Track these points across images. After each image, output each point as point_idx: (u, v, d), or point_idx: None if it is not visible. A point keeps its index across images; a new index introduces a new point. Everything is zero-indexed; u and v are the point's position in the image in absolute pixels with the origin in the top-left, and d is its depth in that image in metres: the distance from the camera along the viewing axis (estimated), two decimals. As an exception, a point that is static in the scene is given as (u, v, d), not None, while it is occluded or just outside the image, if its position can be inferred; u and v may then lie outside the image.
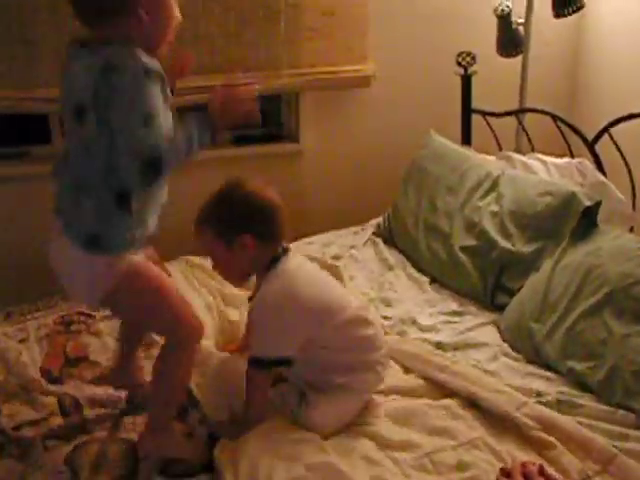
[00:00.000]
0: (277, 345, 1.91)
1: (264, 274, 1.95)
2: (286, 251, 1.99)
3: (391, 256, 2.93)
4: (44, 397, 2.04)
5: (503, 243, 2.55)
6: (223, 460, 1.75)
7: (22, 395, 2.05)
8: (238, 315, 2.44)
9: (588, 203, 2.41)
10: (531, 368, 2.18)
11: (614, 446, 1.79)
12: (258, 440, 1.80)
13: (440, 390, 2.06)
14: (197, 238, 1.97)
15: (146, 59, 1.60)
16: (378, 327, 2.06)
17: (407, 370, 2.16)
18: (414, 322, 2.43)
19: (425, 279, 2.76)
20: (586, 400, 1.99)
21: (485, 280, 2.56)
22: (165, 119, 1.61)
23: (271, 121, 3.62)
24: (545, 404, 1.97)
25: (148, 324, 1.94)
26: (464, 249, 2.67)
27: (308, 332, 1.92)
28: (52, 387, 2.10)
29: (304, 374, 1.98)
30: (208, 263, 2.70)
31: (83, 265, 1.73)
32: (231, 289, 2.58)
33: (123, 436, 1.89)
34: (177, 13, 1.73)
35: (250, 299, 2.03)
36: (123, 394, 2.07)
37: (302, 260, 2.06)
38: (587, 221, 2.38)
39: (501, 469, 1.69)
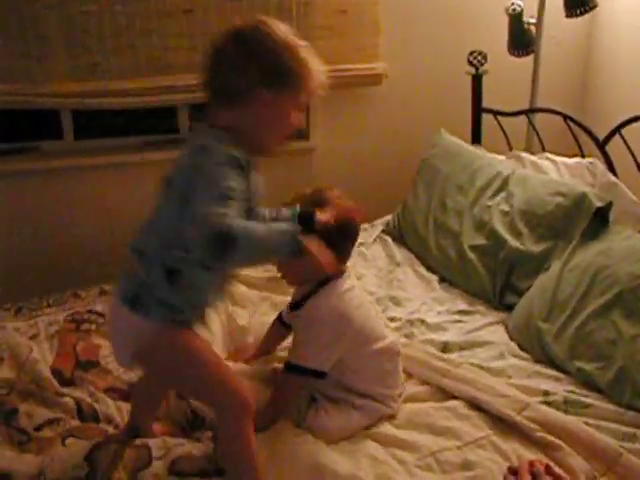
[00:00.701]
0: (319, 357, 1.91)
1: (318, 287, 1.95)
2: (343, 271, 2.01)
3: (400, 254, 2.94)
4: (60, 398, 2.03)
5: (512, 242, 2.56)
6: None
7: (37, 394, 2.04)
8: (247, 317, 2.45)
9: (599, 204, 2.41)
10: (538, 367, 2.18)
11: (621, 446, 1.79)
12: (265, 442, 1.80)
13: (443, 394, 2.06)
14: None
15: (235, 152, 1.63)
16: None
17: (410, 376, 2.15)
18: (422, 322, 2.43)
19: (434, 277, 2.77)
20: (594, 400, 1.99)
21: (494, 279, 2.56)
22: (240, 206, 1.58)
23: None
24: (552, 404, 1.97)
25: (197, 395, 1.89)
26: (473, 248, 2.67)
27: (347, 352, 1.94)
28: (66, 389, 2.09)
29: (325, 388, 1.98)
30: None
31: (122, 320, 1.72)
32: (240, 289, 2.59)
33: (137, 443, 1.86)
34: (296, 121, 1.76)
35: (293, 306, 2.04)
36: None
37: (354, 283, 2.05)
38: (598, 221, 2.38)
39: (508, 468, 1.69)
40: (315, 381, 1.94)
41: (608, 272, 2.18)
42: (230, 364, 2.14)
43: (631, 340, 2.01)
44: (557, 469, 1.67)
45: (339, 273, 1.97)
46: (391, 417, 1.97)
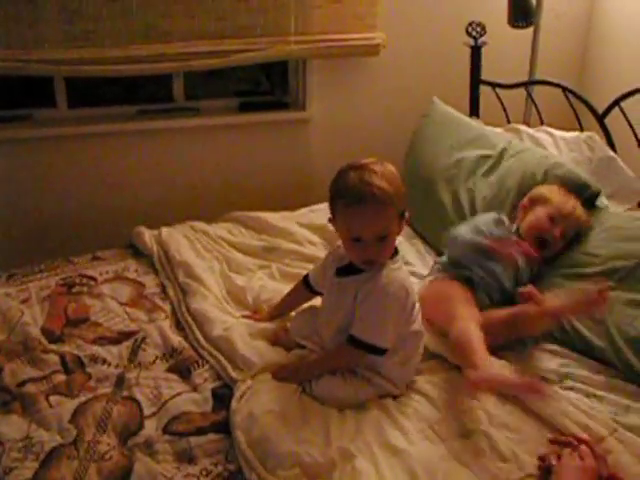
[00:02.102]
0: (388, 335, 1.88)
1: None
2: None
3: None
4: (46, 355, 2.04)
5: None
6: (237, 422, 1.75)
7: (24, 354, 2.05)
8: (245, 280, 2.43)
9: (590, 192, 2.42)
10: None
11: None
12: (272, 405, 1.80)
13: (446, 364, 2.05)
14: (378, 215, 1.81)
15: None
16: None
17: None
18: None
19: (431, 252, 2.73)
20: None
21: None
22: None
23: (278, 89, 3.59)
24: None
25: None
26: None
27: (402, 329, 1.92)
28: (53, 346, 2.10)
29: None
30: (212, 229, 2.74)
31: None
32: (235, 255, 2.58)
33: (126, 394, 1.90)
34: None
35: (345, 271, 1.97)
36: (125, 352, 2.08)
37: None
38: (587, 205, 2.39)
39: (550, 440, 1.70)
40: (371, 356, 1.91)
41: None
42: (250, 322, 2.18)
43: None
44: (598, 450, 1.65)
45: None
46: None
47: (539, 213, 2.30)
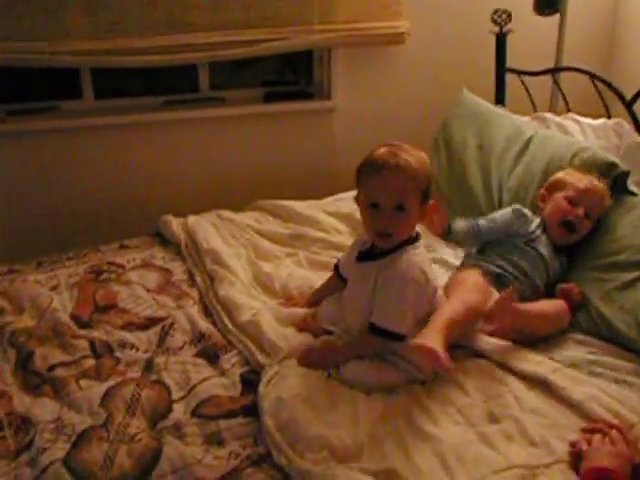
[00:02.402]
0: (405, 321, 1.89)
1: (405, 244, 1.92)
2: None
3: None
4: (76, 340, 2.06)
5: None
6: (265, 407, 1.75)
7: (54, 339, 2.07)
8: (272, 267, 2.44)
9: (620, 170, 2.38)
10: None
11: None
12: (300, 389, 1.80)
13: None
14: (400, 181, 1.83)
15: None
16: None
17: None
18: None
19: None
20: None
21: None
22: None
23: (303, 78, 3.59)
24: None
25: None
26: (494, 210, 2.62)
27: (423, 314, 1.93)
28: (83, 331, 2.12)
29: None
30: (239, 217, 2.74)
31: None
32: (262, 243, 2.59)
33: (154, 378, 1.91)
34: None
35: (366, 256, 1.99)
36: (153, 337, 2.09)
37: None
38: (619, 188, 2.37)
39: (583, 429, 1.68)
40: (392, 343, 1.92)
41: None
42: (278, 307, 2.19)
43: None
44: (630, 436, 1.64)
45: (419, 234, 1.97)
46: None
47: (557, 199, 2.30)
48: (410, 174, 1.83)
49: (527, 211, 2.35)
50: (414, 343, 1.79)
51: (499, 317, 1.99)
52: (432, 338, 1.79)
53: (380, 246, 1.94)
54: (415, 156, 1.86)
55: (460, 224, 2.31)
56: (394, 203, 1.84)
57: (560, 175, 2.37)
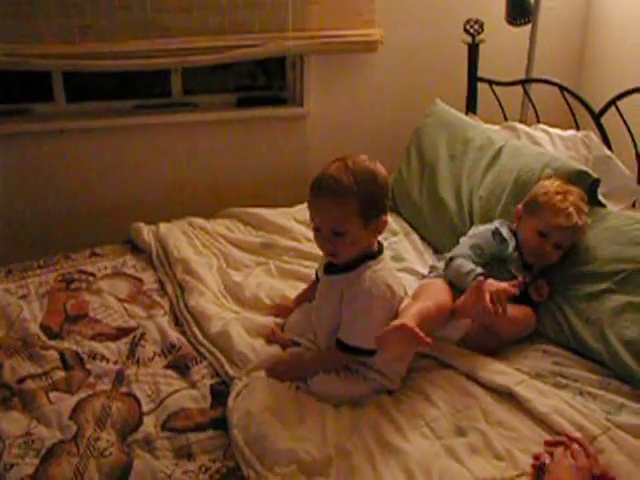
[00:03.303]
0: (372, 336, 1.86)
1: (366, 259, 1.92)
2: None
3: (395, 223, 2.89)
4: (46, 351, 2.06)
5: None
6: (234, 421, 1.76)
7: (23, 350, 2.07)
8: (242, 277, 2.45)
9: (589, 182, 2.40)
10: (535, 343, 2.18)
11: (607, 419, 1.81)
12: (269, 403, 1.82)
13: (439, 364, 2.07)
14: (330, 207, 1.83)
15: None
16: None
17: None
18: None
19: (429, 250, 2.75)
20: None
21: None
22: None
23: (276, 84, 3.59)
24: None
25: None
26: (463, 222, 2.65)
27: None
28: (53, 342, 2.11)
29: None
30: (210, 225, 2.75)
31: None
32: (233, 252, 2.60)
33: (125, 390, 1.92)
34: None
35: (331, 270, 1.99)
36: (123, 348, 2.09)
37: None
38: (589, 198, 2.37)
39: (546, 442, 1.70)
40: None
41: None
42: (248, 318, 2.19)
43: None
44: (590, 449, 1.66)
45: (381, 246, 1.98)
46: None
47: (528, 230, 2.23)
48: (343, 196, 1.81)
49: (504, 231, 2.30)
50: (391, 325, 1.77)
51: (471, 307, 2.00)
52: (407, 319, 1.80)
53: (333, 261, 1.96)
54: (358, 173, 1.83)
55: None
56: (330, 228, 1.86)
57: (539, 193, 2.26)
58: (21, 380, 1.94)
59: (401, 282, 2.02)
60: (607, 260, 2.19)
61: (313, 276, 2.22)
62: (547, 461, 1.63)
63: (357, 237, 1.87)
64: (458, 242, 2.38)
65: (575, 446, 1.64)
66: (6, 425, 1.77)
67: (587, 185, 2.38)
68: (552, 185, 2.27)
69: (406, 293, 2.03)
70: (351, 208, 1.82)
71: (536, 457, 1.67)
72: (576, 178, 2.38)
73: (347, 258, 1.91)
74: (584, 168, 2.45)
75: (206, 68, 3.35)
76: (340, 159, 1.89)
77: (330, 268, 1.99)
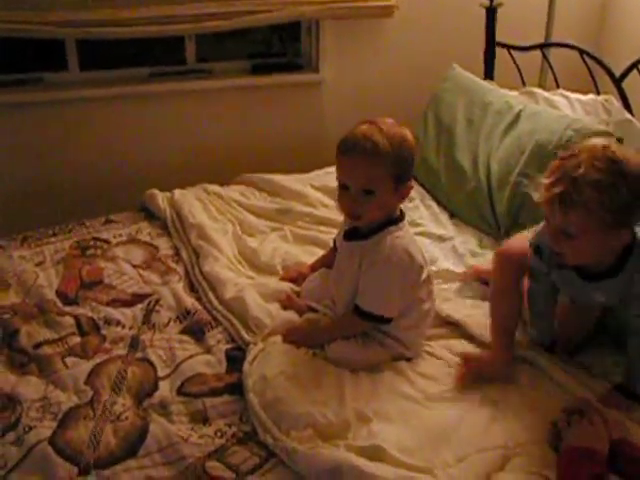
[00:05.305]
0: (392, 304, 1.89)
1: (387, 224, 1.90)
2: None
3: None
4: (61, 317, 2.06)
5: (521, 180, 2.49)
6: (250, 385, 1.76)
7: (40, 316, 2.07)
8: (257, 242, 2.44)
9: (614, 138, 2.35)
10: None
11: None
12: (284, 367, 1.81)
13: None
14: (365, 165, 1.81)
15: None
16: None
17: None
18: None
19: (445, 215, 2.73)
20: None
21: (501, 217, 2.51)
22: None
23: (291, 50, 3.56)
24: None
25: None
26: (481, 185, 2.62)
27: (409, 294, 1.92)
28: (68, 308, 2.11)
29: None
30: (225, 192, 2.74)
31: None
32: (248, 218, 2.59)
33: (140, 355, 1.92)
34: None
35: (351, 235, 1.97)
36: (139, 314, 2.09)
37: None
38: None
39: (563, 409, 1.68)
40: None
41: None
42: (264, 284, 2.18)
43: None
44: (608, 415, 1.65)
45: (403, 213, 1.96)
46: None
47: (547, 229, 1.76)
48: (377, 156, 1.80)
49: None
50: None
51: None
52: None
53: (355, 225, 1.94)
54: (391, 136, 1.83)
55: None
56: (361, 187, 1.83)
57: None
58: (37, 345, 1.94)
59: (421, 250, 2.00)
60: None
61: (331, 243, 2.20)
62: (564, 427, 1.61)
63: (385, 200, 1.86)
64: (473, 208, 2.36)
65: (592, 413, 1.63)
66: (23, 389, 1.78)
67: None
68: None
69: (426, 262, 2.00)
70: (385, 168, 1.81)
71: (554, 424, 1.65)
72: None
73: (369, 222, 1.89)
74: (606, 128, 2.41)
75: (220, 35, 3.32)
76: (369, 121, 1.87)
77: (350, 234, 1.97)
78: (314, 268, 2.23)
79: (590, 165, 1.58)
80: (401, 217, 1.94)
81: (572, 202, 1.58)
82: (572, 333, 1.96)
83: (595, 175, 1.57)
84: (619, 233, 1.65)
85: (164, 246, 2.47)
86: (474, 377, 1.84)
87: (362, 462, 1.54)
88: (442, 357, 1.94)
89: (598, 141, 1.65)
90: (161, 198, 2.67)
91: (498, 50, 3.30)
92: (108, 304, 2.14)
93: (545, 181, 1.65)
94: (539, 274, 1.87)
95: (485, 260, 2.34)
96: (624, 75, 2.87)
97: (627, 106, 2.85)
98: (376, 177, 1.82)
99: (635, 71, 2.82)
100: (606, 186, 1.57)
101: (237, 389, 1.78)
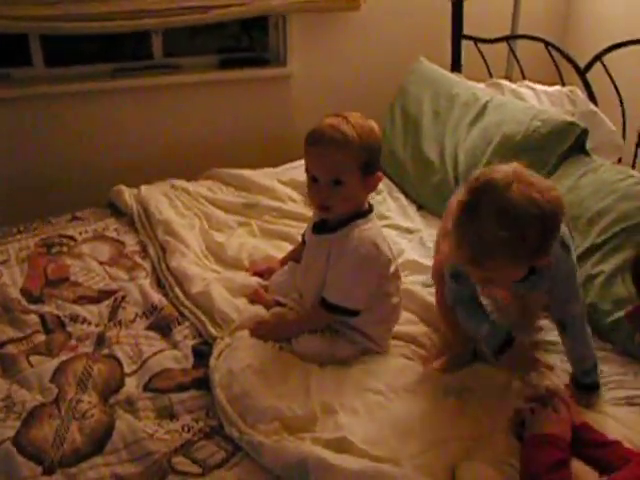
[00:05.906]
0: (358, 296, 1.89)
1: (354, 217, 1.90)
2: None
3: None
4: (26, 316, 2.04)
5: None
6: (217, 380, 1.76)
7: (4, 315, 2.05)
8: (224, 237, 2.43)
9: (578, 132, 2.38)
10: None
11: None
12: (251, 361, 1.81)
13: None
14: (333, 155, 1.82)
15: None
16: None
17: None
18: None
19: (412, 207, 2.74)
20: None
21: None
22: None
23: (259, 45, 3.54)
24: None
25: None
26: (447, 177, 2.64)
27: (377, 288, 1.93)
28: (33, 306, 2.09)
29: None
30: (192, 187, 2.73)
31: None
32: (215, 213, 2.58)
33: (106, 352, 1.91)
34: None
35: (319, 229, 1.97)
36: (105, 311, 2.08)
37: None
38: (576, 151, 2.36)
39: (526, 397, 1.70)
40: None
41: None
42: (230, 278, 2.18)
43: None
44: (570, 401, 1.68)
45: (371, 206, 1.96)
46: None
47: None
48: (345, 146, 1.81)
49: None
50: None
51: None
52: None
53: (324, 217, 1.94)
54: (359, 128, 1.84)
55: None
56: (330, 177, 1.84)
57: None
58: (1, 345, 1.92)
59: (389, 243, 2.01)
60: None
61: (300, 238, 2.20)
62: (528, 415, 1.63)
63: (353, 191, 1.86)
64: (439, 200, 2.37)
65: (556, 400, 1.65)
66: (-14, 389, 1.76)
67: (575, 136, 2.37)
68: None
69: (394, 255, 2.00)
70: (352, 158, 1.82)
71: (517, 412, 1.67)
72: (564, 130, 2.37)
73: (339, 215, 1.90)
74: (572, 119, 2.44)
75: (188, 30, 3.30)
76: (336, 114, 1.88)
77: (319, 227, 1.98)
78: (283, 263, 2.23)
79: (495, 222, 1.50)
80: (369, 210, 1.95)
81: (484, 263, 1.57)
82: (521, 316, 2.02)
83: (501, 233, 1.49)
84: (539, 260, 1.62)
85: (131, 242, 2.45)
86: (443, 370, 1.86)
87: (328, 454, 1.54)
88: (406, 350, 1.95)
89: (500, 176, 1.53)
90: (128, 194, 2.65)
91: (465, 42, 3.32)
92: (74, 301, 2.12)
93: (452, 232, 1.59)
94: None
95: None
96: (588, 67, 2.91)
97: (591, 97, 2.89)
98: (345, 167, 1.82)
99: (599, 63, 2.85)
100: (515, 239, 1.51)
101: (204, 384, 1.78)
